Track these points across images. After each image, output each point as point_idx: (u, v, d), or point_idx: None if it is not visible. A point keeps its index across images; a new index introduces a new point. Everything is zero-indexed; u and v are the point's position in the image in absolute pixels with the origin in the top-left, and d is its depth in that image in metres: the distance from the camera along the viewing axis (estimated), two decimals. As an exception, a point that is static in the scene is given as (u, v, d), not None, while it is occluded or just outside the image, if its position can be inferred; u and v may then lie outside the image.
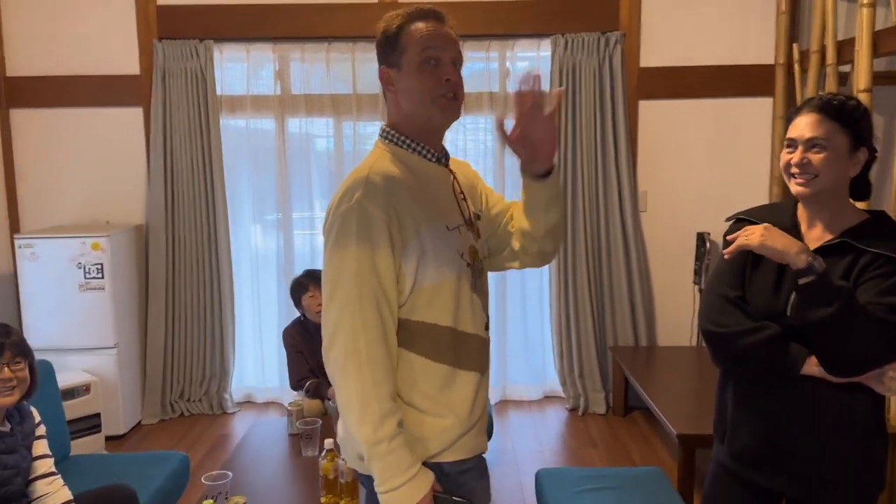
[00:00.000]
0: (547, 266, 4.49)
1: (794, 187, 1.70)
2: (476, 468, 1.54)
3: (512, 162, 4.41)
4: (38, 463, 2.37)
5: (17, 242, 4.01)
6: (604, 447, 3.96)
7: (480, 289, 1.58)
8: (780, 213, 1.80)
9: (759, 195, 4.44)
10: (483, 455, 1.58)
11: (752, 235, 1.65)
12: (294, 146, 4.54)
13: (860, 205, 1.87)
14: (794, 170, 1.68)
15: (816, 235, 1.72)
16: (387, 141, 1.56)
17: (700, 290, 4.41)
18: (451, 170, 1.61)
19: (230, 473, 2.37)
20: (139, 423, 4.38)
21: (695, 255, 4.48)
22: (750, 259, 1.76)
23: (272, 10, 4.33)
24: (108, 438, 4.01)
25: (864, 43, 3.24)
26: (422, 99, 1.48)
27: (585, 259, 4.41)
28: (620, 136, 4.32)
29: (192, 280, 4.44)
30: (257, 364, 4.71)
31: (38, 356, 2.46)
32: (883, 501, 2.92)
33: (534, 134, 1.46)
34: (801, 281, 1.58)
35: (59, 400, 3.03)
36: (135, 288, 4.37)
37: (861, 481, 1.70)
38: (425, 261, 1.45)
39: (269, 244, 4.66)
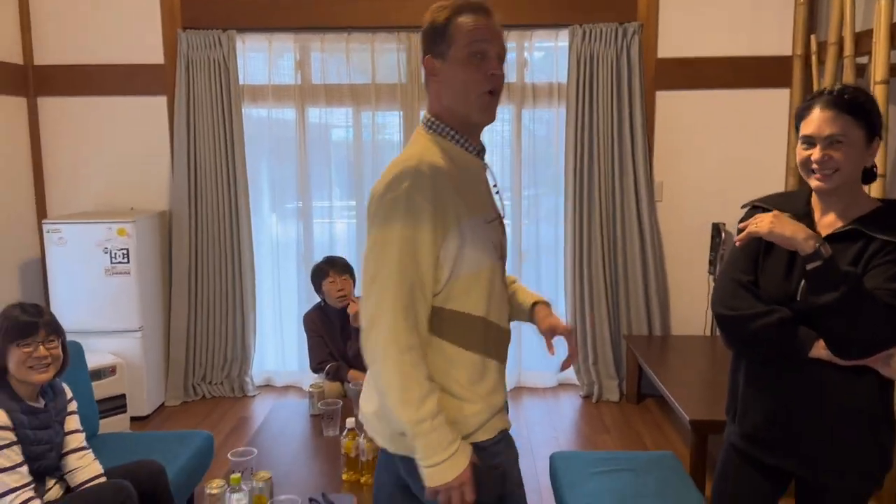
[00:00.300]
0: (563, 255, 4.57)
1: (815, 183, 1.72)
2: (504, 440, 1.63)
3: (528, 154, 4.46)
4: (70, 438, 2.44)
5: (45, 227, 4.10)
6: (617, 433, 4.02)
7: (505, 282, 1.66)
8: (795, 201, 1.83)
9: (775, 186, 4.45)
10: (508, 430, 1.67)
11: (762, 223, 1.69)
12: (314, 135, 4.61)
13: (874, 193, 1.91)
14: (815, 166, 1.70)
15: (829, 222, 1.76)
16: (431, 131, 1.59)
17: (714, 281, 4.43)
18: (486, 164, 1.67)
19: (255, 450, 2.45)
20: (162, 404, 4.49)
21: (710, 246, 4.51)
22: (763, 246, 1.80)
23: (293, 1, 4.39)
24: (132, 419, 4.11)
25: (881, 34, 3.23)
26: (465, 92, 1.52)
27: (601, 248, 4.46)
28: (637, 127, 4.35)
29: (214, 266, 4.53)
30: (277, 349, 4.80)
31: (66, 338, 2.54)
32: (889, 483, 2.95)
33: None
34: (809, 266, 1.63)
35: (88, 379, 3.12)
36: (159, 273, 4.46)
37: (866, 467, 1.74)
38: (464, 251, 1.50)
39: (290, 232, 4.73)
